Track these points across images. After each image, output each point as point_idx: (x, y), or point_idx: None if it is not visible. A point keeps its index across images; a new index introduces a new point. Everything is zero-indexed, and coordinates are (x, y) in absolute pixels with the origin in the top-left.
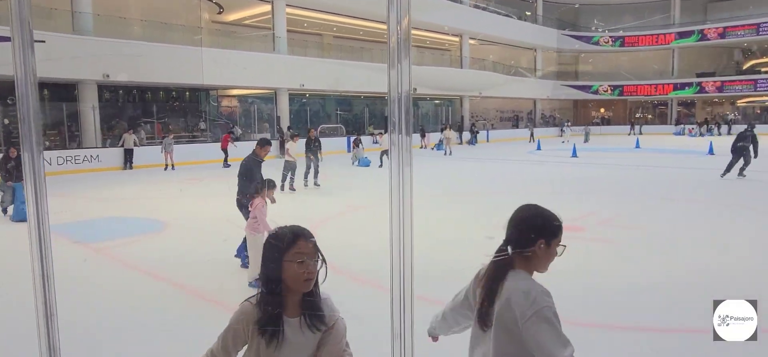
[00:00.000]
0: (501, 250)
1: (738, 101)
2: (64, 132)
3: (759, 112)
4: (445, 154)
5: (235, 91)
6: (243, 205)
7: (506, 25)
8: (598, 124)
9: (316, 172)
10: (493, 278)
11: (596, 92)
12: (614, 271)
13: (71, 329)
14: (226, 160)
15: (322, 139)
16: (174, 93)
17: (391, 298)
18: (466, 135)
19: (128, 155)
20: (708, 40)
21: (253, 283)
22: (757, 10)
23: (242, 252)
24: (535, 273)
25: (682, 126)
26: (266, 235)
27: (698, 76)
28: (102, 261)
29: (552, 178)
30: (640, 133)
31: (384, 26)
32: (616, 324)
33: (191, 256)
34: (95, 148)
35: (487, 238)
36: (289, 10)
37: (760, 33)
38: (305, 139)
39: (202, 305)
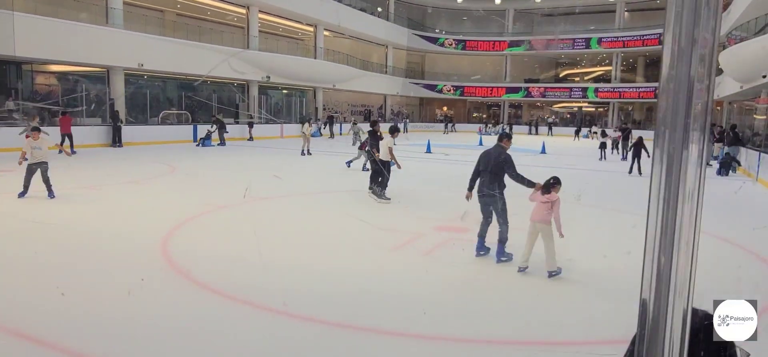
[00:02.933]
0: None
1: (555, 105)
2: None
3: (568, 116)
4: (303, 153)
5: (54, 67)
6: (494, 196)
7: (361, 20)
8: (441, 121)
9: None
10: None
11: (440, 91)
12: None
13: None
14: (71, 145)
15: (165, 127)
16: None
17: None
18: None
19: None
20: (534, 50)
21: (553, 272)
22: (573, 27)
23: (481, 250)
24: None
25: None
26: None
27: (526, 81)
28: None
29: (412, 174)
30: (455, 131)
31: (235, 8)
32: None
33: None
34: None
35: None
36: None
37: (575, 47)
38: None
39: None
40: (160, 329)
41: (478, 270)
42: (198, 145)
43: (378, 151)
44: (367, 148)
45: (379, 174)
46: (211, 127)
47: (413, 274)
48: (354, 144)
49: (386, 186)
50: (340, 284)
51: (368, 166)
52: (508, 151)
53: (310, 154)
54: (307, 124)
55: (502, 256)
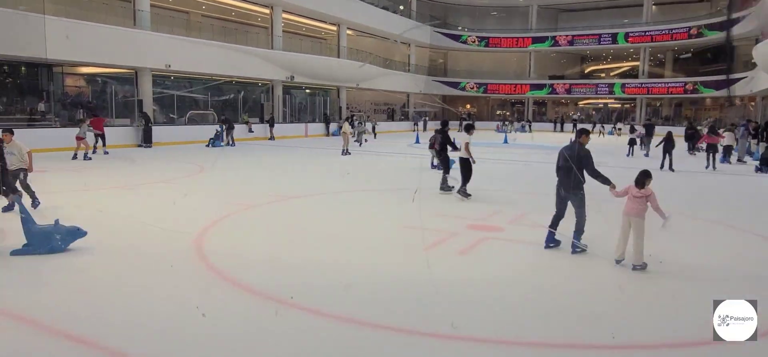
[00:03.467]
0: None
1: (580, 102)
2: None
3: (593, 112)
4: (343, 153)
5: (83, 69)
6: (573, 191)
7: (384, 18)
8: (465, 119)
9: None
10: None
11: (464, 89)
12: (558, 278)
13: None
14: (104, 145)
15: (189, 127)
16: (6, 67)
17: None
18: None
19: None
20: (559, 46)
21: (637, 266)
22: (598, 22)
23: (555, 238)
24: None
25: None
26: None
27: (550, 78)
28: None
29: (437, 173)
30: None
31: (259, 8)
32: (582, 342)
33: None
34: None
35: None
36: None
37: (601, 42)
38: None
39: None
40: (197, 331)
41: (523, 268)
42: (208, 146)
43: (454, 148)
44: (436, 148)
45: (446, 170)
46: (220, 127)
47: (452, 274)
48: (358, 142)
49: (468, 182)
50: (379, 284)
51: (436, 163)
52: (587, 147)
53: (350, 153)
54: (347, 123)
55: (578, 246)
